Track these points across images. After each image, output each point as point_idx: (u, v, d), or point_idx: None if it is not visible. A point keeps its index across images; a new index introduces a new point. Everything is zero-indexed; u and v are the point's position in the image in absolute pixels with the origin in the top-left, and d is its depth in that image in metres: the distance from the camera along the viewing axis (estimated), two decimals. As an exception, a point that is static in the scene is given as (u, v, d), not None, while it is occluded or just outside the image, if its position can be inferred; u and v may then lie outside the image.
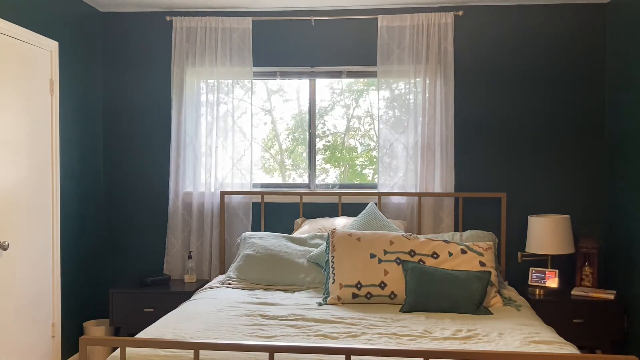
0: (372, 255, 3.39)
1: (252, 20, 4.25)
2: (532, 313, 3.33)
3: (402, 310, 3.20)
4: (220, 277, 3.90)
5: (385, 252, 3.41)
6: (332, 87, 4.51)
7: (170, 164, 4.32)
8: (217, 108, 4.29)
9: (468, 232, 3.93)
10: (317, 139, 4.47)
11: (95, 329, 4.12)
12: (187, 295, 3.80)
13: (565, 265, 4.02)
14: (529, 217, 3.99)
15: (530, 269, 3.96)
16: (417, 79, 4.15)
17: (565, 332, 3.08)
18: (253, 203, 4.31)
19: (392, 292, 3.32)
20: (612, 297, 3.65)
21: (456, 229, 4.15)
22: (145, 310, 3.89)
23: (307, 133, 4.45)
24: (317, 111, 4.45)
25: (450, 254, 3.47)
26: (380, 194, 4.16)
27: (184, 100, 4.29)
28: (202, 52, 4.27)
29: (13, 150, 3.34)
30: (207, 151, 4.28)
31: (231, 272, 3.86)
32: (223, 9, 4.29)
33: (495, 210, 4.17)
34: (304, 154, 4.50)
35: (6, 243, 3.22)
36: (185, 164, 4.30)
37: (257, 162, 4.39)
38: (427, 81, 4.14)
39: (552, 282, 3.86)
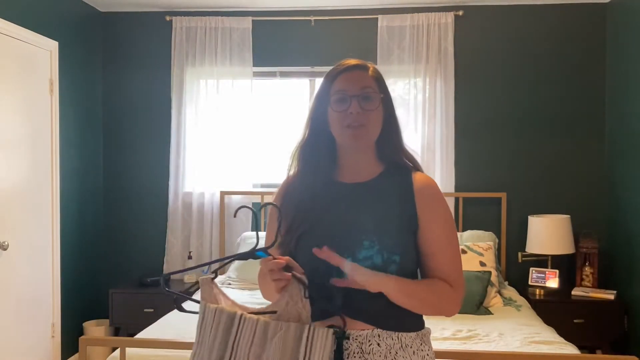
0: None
1: (252, 20, 4.25)
2: (532, 313, 3.33)
3: (402, 310, 3.20)
4: (220, 277, 3.90)
5: (386, 252, 3.41)
6: (332, 87, 4.50)
7: (170, 164, 4.31)
8: (217, 108, 4.29)
9: (468, 232, 3.93)
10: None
11: (95, 329, 4.11)
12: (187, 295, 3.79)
13: (566, 265, 4.01)
14: (529, 217, 3.99)
15: (531, 269, 3.95)
16: (417, 79, 4.14)
17: (565, 332, 3.07)
18: (253, 203, 4.31)
19: (392, 292, 3.32)
20: (612, 297, 3.64)
21: (456, 229, 4.14)
22: (145, 310, 3.88)
23: (307, 133, 4.44)
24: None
25: (451, 254, 3.47)
26: (380, 194, 4.15)
27: (184, 100, 4.29)
28: (202, 52, 4.27)
29: (13, 150, 3.34)
30: (207, 151, 4.28)
31: (231, 272, 3.86)
32: (223, 9, 4.28)
33: (495, 210, 4.17)
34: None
35: (6, 243, 3.22)
36: (185, 164, 4.30)
37: (257, 161, 4.39)
38: (427, 81, 4.13)
39: (553, 282, 3.86)
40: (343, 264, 1.28)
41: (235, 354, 1.25)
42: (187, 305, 1.40)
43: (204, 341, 1.28)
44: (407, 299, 1.33)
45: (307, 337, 1.23)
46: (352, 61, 1.44)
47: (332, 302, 1.32)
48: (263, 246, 1.33)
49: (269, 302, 1.35)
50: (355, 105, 1.37)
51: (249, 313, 1.30)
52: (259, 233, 1.35)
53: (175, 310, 3.41)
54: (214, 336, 1.27)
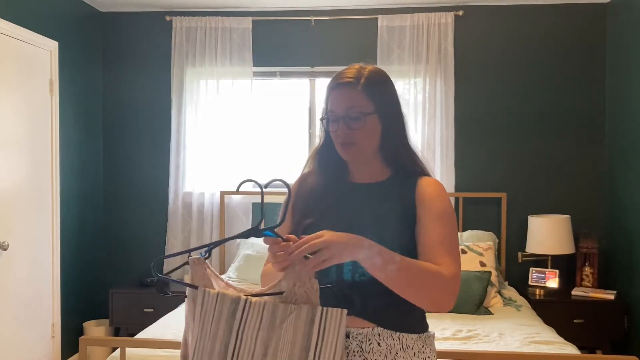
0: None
1: (252, 20, 4.25)
2: (532, 313, 3.33)
3: (402, 310, 3.20)
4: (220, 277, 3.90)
5: (386, 252, 3.41)
6: (332, 87, 4.50)
7: (170, 164, 4.31)
8: (217, 108, 4.29)
9: (468, 232, 3.93)
10: (317, 139, 4.46)
11: (95, 329, 4.12)
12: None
13: (566, 265, 4.01)
14: (529, 217, 3.99)
15: (531, 269, 3.95)
16: (417, 79, 4.14)
17: (565, 332, 3.07)
18: (253, 203, 4.31)
19: (392, 292, 3.32)
20: (612, 297, 3.64)
21: (456, 227, 4.13)
22: (145, 310, 3.88)
23: (307, 133, 4.44)
24: (317, 111, 4.45)
25: (451, 254, 3.47)
26: (380, 194, 4.14)
27: (184, 100, 4.29)
28: (202, 52, 4.27)
29: (13, 150, 3.34)
30: (207, 151, 4.28)
31: (231, 272, 3.86)
32: (223, 9, 4.28)
33: (495, 210, 4.17)
34: (305, 154, 4.49)
35: (6, 243, 3.22)
36: (185, 164, 4.30)
37: (257, 161, 4.39)
38: (427, 81, 4.13)
39: (553, 282, 3.86)
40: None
41: (240, 340, 1.19)
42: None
43: (205, 333, 1.20)
44: (390, 270, 1.22)
45: (320, 320, 1.19)
46: (347, 73, 1.44)
47: (340, 295, 1.30)
48: (270, 226, 1.26)
49: None
50: (342, 126, 1.42)
51: (254, 295, 1.24)
52: (261, 213, 1.28)
53: (176, 310, 3.41)
54: (217, 324, 1.20)
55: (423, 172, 1.49)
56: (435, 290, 1.26)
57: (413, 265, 1.26)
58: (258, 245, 3.83)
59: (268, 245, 1.24)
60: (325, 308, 1.20)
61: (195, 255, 1.31)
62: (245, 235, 1.29)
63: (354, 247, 1.20)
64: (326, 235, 1.18)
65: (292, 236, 1.24)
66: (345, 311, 1.20)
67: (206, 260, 1.29)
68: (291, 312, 1.19)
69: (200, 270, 1.27)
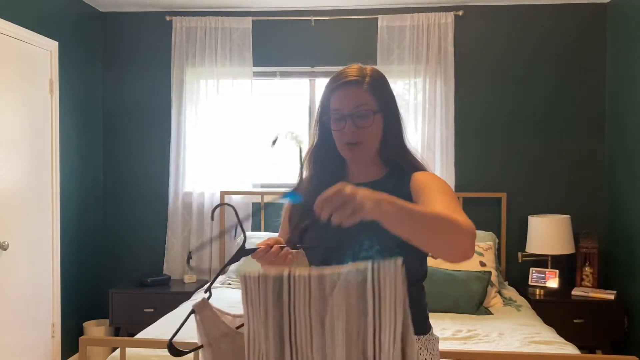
0: (372, 255, 3.39)
1: (252, 20, 4.25)
2: (532, 313, 3.34)
3: (402, 310, 3.20)
4: (220, 278, 3.90)
5: (386, 252, 3.41)
6: (332, 87, 4.50)
7: (170, 164, 4.31)
8: (217, 108, 4.29)
9: (468, 232, 3.93)
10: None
11: (95, 329, 4.11)
12: (187, 296, 3.80)
13: (566, 265, 4.01)
14: (529, 217, 3.99)
15: (531, 269, 3.95)
16: (417, 79, 4.14)
17: (565, 332, 3.07)
18: (253, 203, 4.31)
19: (392, 292, 3.32)
20: (612, 297, 3.64)
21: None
22: (145, 310, 3.88)
23: (307, 133, 4.44)
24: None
25: (451, 254, 3.47)
26: (380, 194, 4.14)
27: (184, 100, 4.29)
28: (202, 52, 4.27)
29: (13, 150, 3.34)
30: (207, 151, 4.28)
31: (231, 272, 3.86)
32: (223, 9, 4.28)
33: (495, 210, 4.17)
34: (304, 154, 4.49)
35: (6, 243, 3.22)
36: (185, 164, 4.30)
37: (257, 161, 4.39)
38: (427, 81, 4.13)
39: (553, 282, 3.86)
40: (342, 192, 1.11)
41: (294, 319, 1.09)
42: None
43: (255, 319, 1.13)
44: (407, 215, 1.14)
45: (373, 278, 1.02)
46: (351, 72, 1.43)
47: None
48: (251, 245, 1.32)
49: None
50: (350, 124, 1.41)
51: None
52: (242, 231, 1.38)
53: (175, 310, 3.40)
54: (265, 308, 1.11)
55: (418, 169, 1.48)
56: (454, 235, 1.19)
57: (430, 212, 1.20)
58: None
59: (262, 254, 1.29)
60: (376, 263, 1.02)
61: (197, 272, 1.33)
62: (237, 258, 1.33)
63: (374, 197, 1.10)
64: (348, 187, 1.08)
65: (273, 239, 1.31)
66: (400, 260, 1.00)
67: (208, 300, 1.27)
68: (340, 276, 1.06)
69: (208, 313, 1.24)
